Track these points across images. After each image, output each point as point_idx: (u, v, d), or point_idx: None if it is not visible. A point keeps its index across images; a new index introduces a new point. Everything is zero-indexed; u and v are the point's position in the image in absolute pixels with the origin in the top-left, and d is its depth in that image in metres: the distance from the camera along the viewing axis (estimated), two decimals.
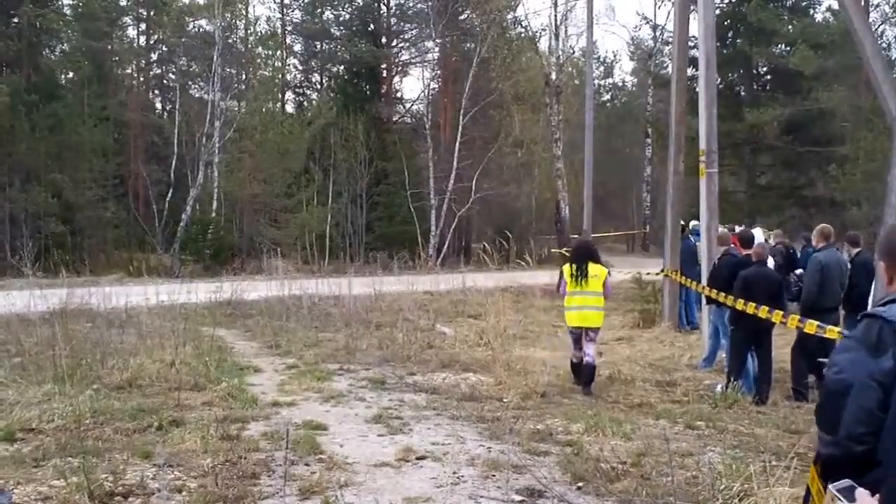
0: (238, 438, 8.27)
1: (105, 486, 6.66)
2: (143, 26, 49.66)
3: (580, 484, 6.98)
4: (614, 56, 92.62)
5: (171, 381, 10.71)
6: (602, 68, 63.00)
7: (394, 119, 49.41)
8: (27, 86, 35.73)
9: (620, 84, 68.83)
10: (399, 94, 53.41)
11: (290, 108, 51.13)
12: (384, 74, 49.90)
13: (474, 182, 40.17)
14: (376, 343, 14.57)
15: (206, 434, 8.23)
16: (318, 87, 53.85)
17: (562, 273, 11.95)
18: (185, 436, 8.25)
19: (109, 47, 45.41)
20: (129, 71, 49.65)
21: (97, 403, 9.35)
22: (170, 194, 39.04)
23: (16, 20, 38.30)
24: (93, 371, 10.99)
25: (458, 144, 40.14)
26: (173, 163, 39.36)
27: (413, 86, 76.16)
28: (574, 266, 11.36)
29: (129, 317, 15.37)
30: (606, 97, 65.13)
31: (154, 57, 50.97)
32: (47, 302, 15.22)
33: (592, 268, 11.28)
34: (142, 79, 50.76)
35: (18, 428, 8.45)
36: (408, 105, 52.83)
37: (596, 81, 54.05)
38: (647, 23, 52.23)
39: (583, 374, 11.14)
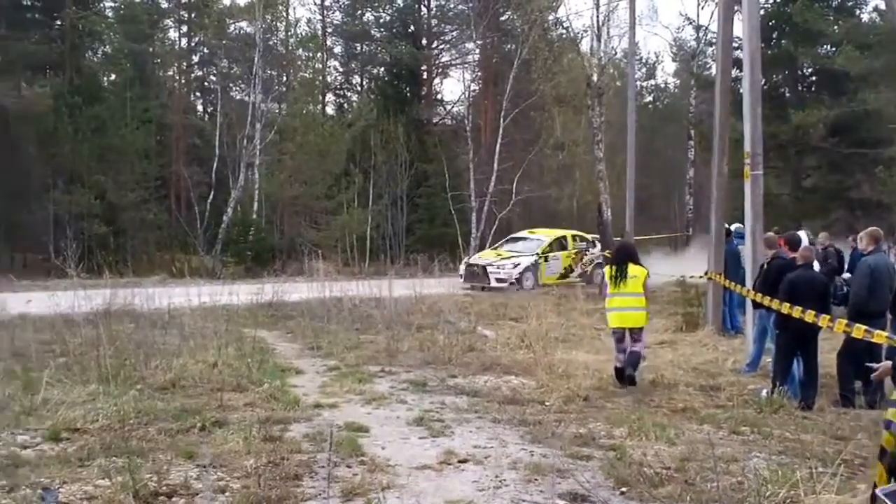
0: (280, 440, 8.29)
1: (149, 486, 6.69)
2: (184, 28, 49.92)
3: (624, 489, 6.90)
4: (657, 57, 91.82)
5: (213, 381, 10.77)
6: (644, 70, 62.54)
7: (434, 121, 49.50)
8: (70, 88, 36.25)
9: (663, 85, 68.28)
10: (439, 96, 53.54)
11: (330, 109, 51.36)
12: (424, 76, 50.04)
13: (515, 184, 40.13)
14: (417, 345, 14.53)
15: (249, 435, 8.26)
16: (359, 88, 53.98)
17: (603, 275, 11.94)
18: (227, 436, 8.29)
19: (151, 49, 45.70)
20: (170, 73, 49.90)
21: (141, 404, 9.40)
22: (211, 196, 39.28)
23: (59, 22, 38.83)
24: (136, 371, 11.08)
25: (498, 146, 40.16)
26: (214, 165, 39.57)
27: (453, 87, 76.29)
28: (614, 268, 11.40)
29: (171, 318, 15.46)
30: (649, 98, 64.64)
31: (195, 59, 51.26)
32: (91, 302, 15.42)
33: (632, 269, 11.35)
34: (183, 81, 51.03)
35: (64, 427, 8.51)
36: (448, 107, 52.93)
37: (638, 83, 53.62)
38: (690, 23, 51.58)
39: (627, 360, 11.27)
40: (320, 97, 49.17)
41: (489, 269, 28.21)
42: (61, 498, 6.58)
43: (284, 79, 45.01)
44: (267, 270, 29.79)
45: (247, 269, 33.40)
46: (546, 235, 31.14)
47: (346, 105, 52.06)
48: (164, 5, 48.08)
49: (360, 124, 41.02)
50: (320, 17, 51.40)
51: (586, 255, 29.99)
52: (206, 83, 51.25)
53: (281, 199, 39.22)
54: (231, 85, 47.28)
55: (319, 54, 48.40)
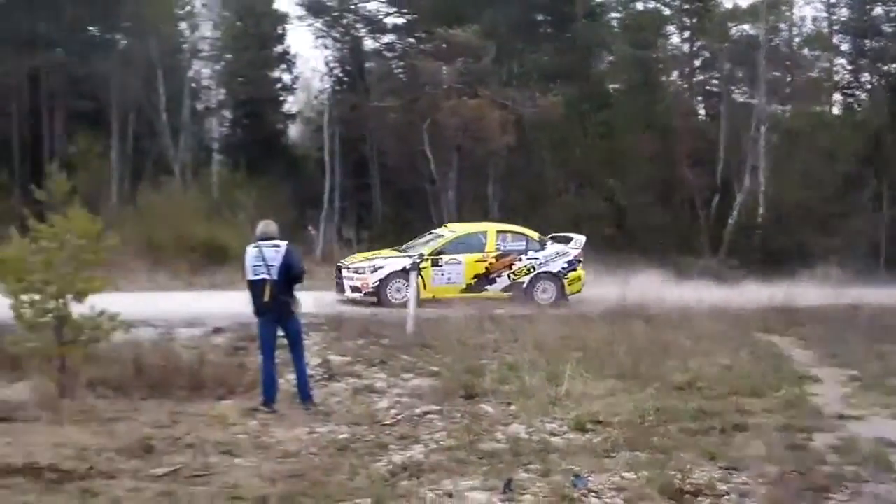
0: (804, 449, 8.11)
1: (675, 484, 6.83)
2: (686, 34, 50.24)
3: None
4: None
5: (729, 385, 10.77)
6: None
7: None
8: (580, 95, 38.00)
9: None
10: None
11: (837, 109, 49.26)
12: None
13: None
14: None
15: (770, 441, 8.16)
16: (869, 87, 51.27)
17: None
18: (748, 441, 8.29)
19: (655, 56, 46.47)
20: (672, 78, 50.48)
21: (658, 402, 9.62)
22: (716, 199, 39.16)
23: (568, 35, 40.96)
24: (652, 370, 11.32)
25: None
26: (719, 168, 39.48)
27: None
28: None
29: (682, 319, 15.72)
30: None
31: (697, 63, 51.29)
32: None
33: None
34: (685, 85, 51.32)
35: (588, 419, 8.95)
36: None
37: None
38: None
39: None
40: (827, 97, 47.36)
41: (344, 273, 20.38)
42: (591, 486, 6.90)
43: (789, 79, 43.88)
44: (774, 274, 29.26)
45: (753, 273, 32.93)
46: (458, 230, 22.17)
47: (855, 104, 49.67)
48: (667, 13, 48.68)
49: (872, 124, 39.04)
50: (826, 15, 49.43)
51: (520, 260, 20.86)
52: (707, 87, 51.21)
53: (786, 202, 38.23)
54: (733, 87, 46.91)
55: (826, 53, 46.71)
